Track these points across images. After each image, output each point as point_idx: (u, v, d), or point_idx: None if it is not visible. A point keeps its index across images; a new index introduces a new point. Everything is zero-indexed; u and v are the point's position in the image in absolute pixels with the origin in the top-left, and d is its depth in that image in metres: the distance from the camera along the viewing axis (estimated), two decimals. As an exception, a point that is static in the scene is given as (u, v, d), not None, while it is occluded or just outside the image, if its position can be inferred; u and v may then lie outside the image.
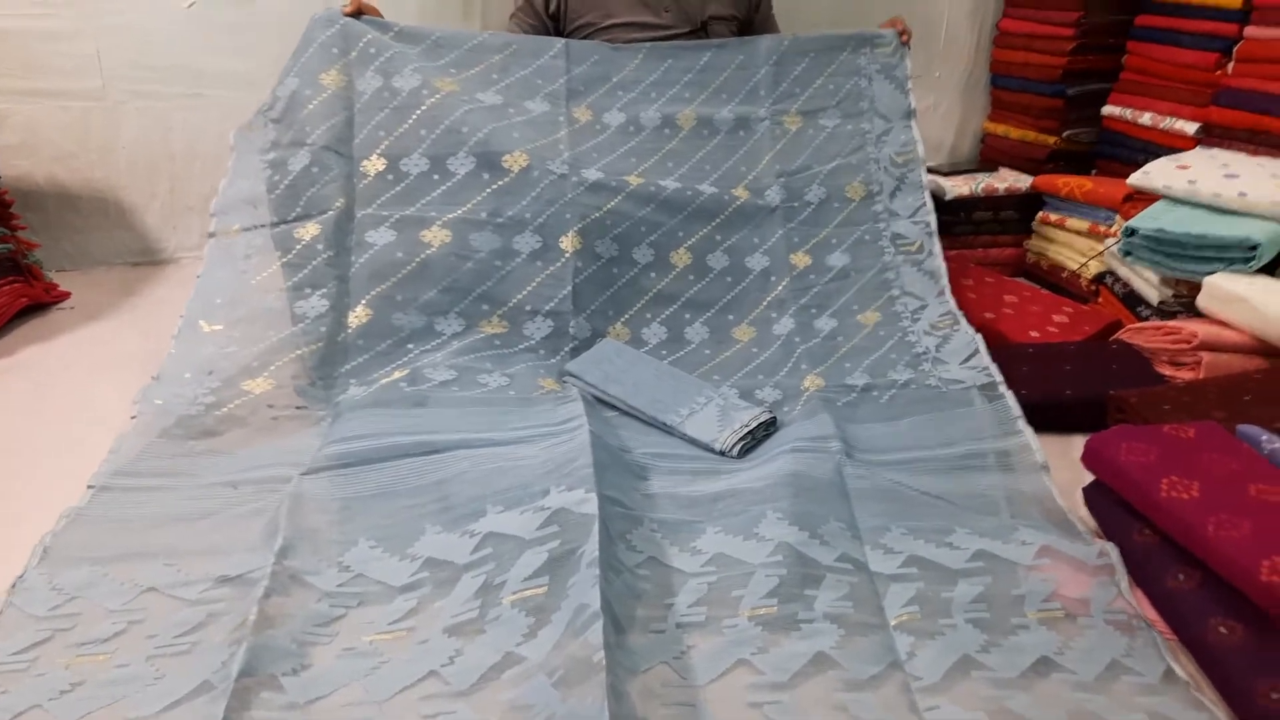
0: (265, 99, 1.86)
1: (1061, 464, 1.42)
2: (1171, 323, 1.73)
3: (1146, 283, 1.91)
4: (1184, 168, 1.94)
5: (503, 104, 1.88)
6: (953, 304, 1.84)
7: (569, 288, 1.75)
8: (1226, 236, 1.73)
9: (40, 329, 1.92)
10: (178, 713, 0.95)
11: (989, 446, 1.45)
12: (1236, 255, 1.72)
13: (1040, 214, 2.35)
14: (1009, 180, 2.40)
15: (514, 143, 1.82)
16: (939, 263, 1.90)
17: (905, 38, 2.05)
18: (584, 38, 2.03)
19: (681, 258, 1.85)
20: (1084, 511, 1.31)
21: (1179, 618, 1.08)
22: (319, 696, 0.97)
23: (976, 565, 1.18)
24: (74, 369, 1.75)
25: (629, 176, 1.85)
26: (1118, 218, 2.07)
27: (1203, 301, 1.73)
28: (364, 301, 1.68)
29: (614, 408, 1.58)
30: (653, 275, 1.83)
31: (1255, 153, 2.03)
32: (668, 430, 1.52)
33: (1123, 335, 1.80)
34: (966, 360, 1.68)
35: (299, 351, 1.60)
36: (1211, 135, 2.15)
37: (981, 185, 2.37)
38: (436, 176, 1.79)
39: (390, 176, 1.79)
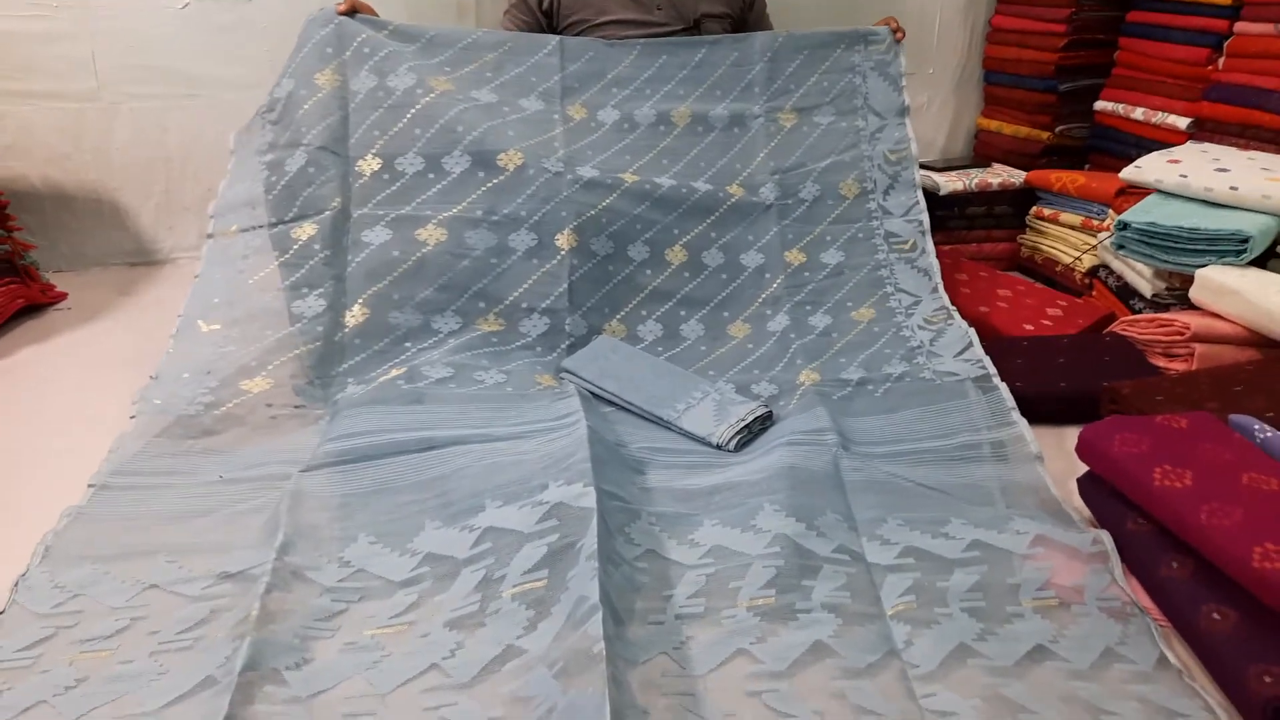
0: (263, 101, 1.86)
1: (1056, 455, 1.43)
2: (1164, 315, 1.74)
3: (1139, 276, 1.93)
4: (1175, 162, 1.96)
5: (497, 102, 1.89)
6: (946, 299, 1.85)
7: (565, 285, 1.75)
8: (1218, 229, 1.74)
9: (37, 330, 1.93)
10: (182, 707, 0.95)
11: (984, 438, 1.46)
12: (1228, 248, 1.73)
13: (1034, 209, 2.36)
14: (1002, 175, 2.41)
15: (509, 141, 1.82)
16: (932, 260, 1.91)
17: (899, 35, 2.06)
18: (577, 35, 2.04)
19: (677, 255, 1.86)
20: (1078, 501, 1.32)
21: (1172, 605, 1.09)
22: (322, 690, 0.98)
23: (972, 555, 1.19)
24: (71, 369, 1.75)
25: (624, 174, 1.86)
26: (1110, 212, 2.09)
27: (1195, 294, 1.74)
28: (361, 301, 1.69)
29: (611, 403, 1.59)
30: (648, 272, 1.84)
31: (1246, 147, 2.04)
32: (664, 425, 1.53)
33: (1116, 328, 1.81)
34: (960, 353, 1.69)
35: (297, 351, 1.61)
36: (1203, 130, 2.17)
37: (975, 181, 2.38)
38: (432, 175, 1.79)
39: (386, 176, 1.79)
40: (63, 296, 2.07)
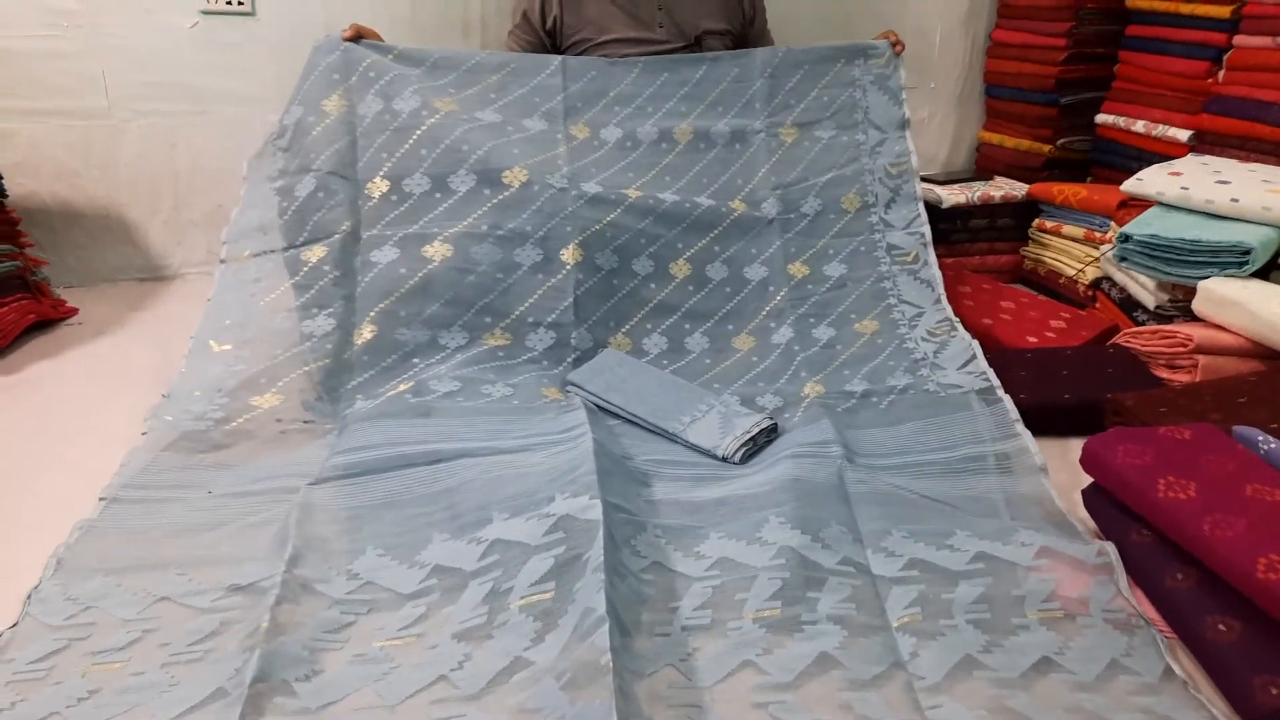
0: (273, 126, 1.90)
1: (1060, 466, 1.44)
2: (1167, 327, 1.75)
3: (1142, 288, 1.93)
4: (1176, 174, 1.97)
5: (501, 122, 1.91)
6: (949, 310, 1.86)
7: (570, 299, 1.77)
8: (1219, 241, 1.75)
9: (48, 345, 1.94)
10: (193, 718, 0.96)
11: (988, 450, 1.46)
12: (1230, 259, 1.74)
13: (1036, 221, 2.37)
14: (1005, 188, 2.43)
15: (513, 159, 1.84)
16: (935, 271, 1.92)
17: (899, 48, 2.08)
18: (580, 53, 2.06)
19: (681, 269, 1.87)
20: (1083, 513, 1.32)
21: (1177, 616, 1.09)
22: (331, 701, 0.98)
23: (977, 567, 1.19)
24: (82, 384, 1.77)
25: (627, 190, 1.87)
26: (1112, 224, 2.10)
27: (1198, 305, 1.75)
28: (369, 319, 1.71)
29: (616, 416, 1.60)
30: (653, 286, 1.85)
31: (1246, 159, 2.06)
32: (670, 437, 1.54)
33: (1120, 339, 1.82)
34: (964, 365, 1.70)
35: (306, 368, 1.63)
36: (1203, 142, 2.18)
37: (978, 194, 2.39)
38: (439, 195, 1.81)
39: (394, 197, 1.81)
40: (73, 312, 2.09)
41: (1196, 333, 1.67)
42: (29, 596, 1.14)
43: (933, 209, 2.32)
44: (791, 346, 1.79)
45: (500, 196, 1.81)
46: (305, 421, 1.56)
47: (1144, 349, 1.74)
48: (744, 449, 1.47)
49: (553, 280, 1.77)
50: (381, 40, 1.97)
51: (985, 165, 2.84)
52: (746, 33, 2.19)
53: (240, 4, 2.22)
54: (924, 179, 2.43)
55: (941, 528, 1.27)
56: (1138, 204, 2.03)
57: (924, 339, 1.79)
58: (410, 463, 1.40)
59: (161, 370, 1.75)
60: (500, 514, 1.26)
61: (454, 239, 1.77)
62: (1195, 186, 1.89)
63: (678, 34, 2.09)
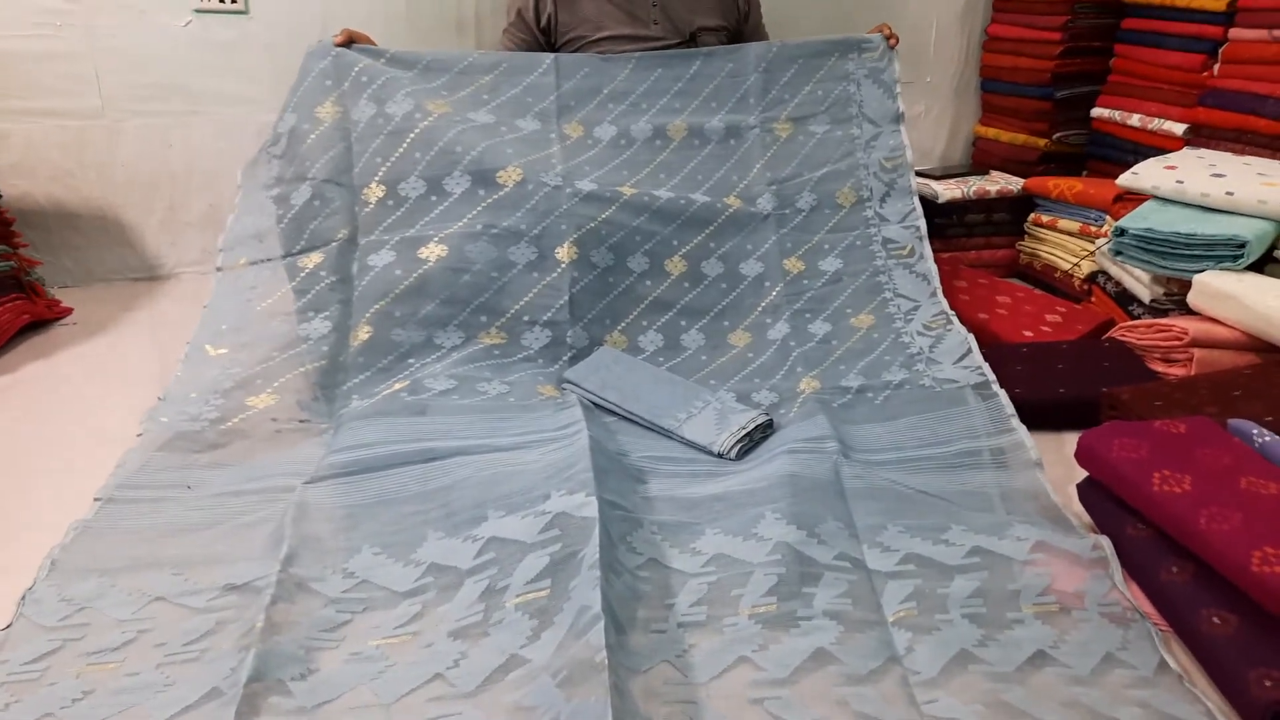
0: (268, 133, 1.90)
1: (1055, 460, 1.44)
2: (1163, 320, 1.75)
3: (1138, 281, 1.93)
4: (1172, 168, 1.97)
5: (494, 123, 1.91)
6: (945, 304, 1.86)
7: (566, 297, 1.77)
8: (1215, 235, 1.75)
9: (43, 345, 1.94)
10: (189, 718, 0.96)
11: (983, 444, 1.46)
12: (1225, 253, 1.74)
13: (1032, 215, 2.38)
14: (1000, 183, 2.43)
15: (507, 158, 1.84)
16: (930, 265, 1.92)
17: (893, 41, 2.07)
18: (575, 51, 2.06)
19: (676, 265, 1.87)
20: (1078, 507, 1.32)
21: (1172, 609, 1.09)
22: (327, 700, 0.98)
23: (972, 561, 1.19)
24: (77, 384, 1.77)
25: (622, 187, 1.87)
26: (1108, 218, 2.10)
27: (1193, 299, 1.75)
28: (365, 320, 1.71)
29: (612, 413, 1.60)
30: (648, 283, 1.85)
31: (1242, 152, 2.06)
32: (666, 434, 1.54)
33: (1115, 333, 1.82)
34: (959, 360, 1.70)
35: (303, 369, 1.63)
36: (1199, 135, 2.18)
37: (973, 188, 2.39)
38: (434, 198, 1.82)
39: (390, 202, 1.82)
40: (68, 312, 2.09)
41: (1192, 326, 1.68)
42: (23, 597, 1.14)
43: (929, 204, 2.32)
44: (787, 342, 1.79)
45: (495, 196, 1.81)
46: (301, 420, 1.56)
47: (1139, 343, 1.75)
48: (740, 445, 1.47)
49: (548, 278, 1.77)
50: (374, 44, 1.97)
51: (981, 160, 2.84)
52: (742, 29, 2.18)
53: (234, 2, 2.22)
54: (920, 174, 2.43)
55: (937, 522, 1.27)
56: (1133, 198, 2.03)
57: (920, 333, 1.79)
58: (406, 461, 1.40)
59: (156, 370, 1.75)
60: (496, 512, 1.26)
61: (449, 239, 1.77)
62: (1191, 180, 1.89)
63: (673, 30, 2.08)
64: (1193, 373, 1.65)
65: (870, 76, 2.05)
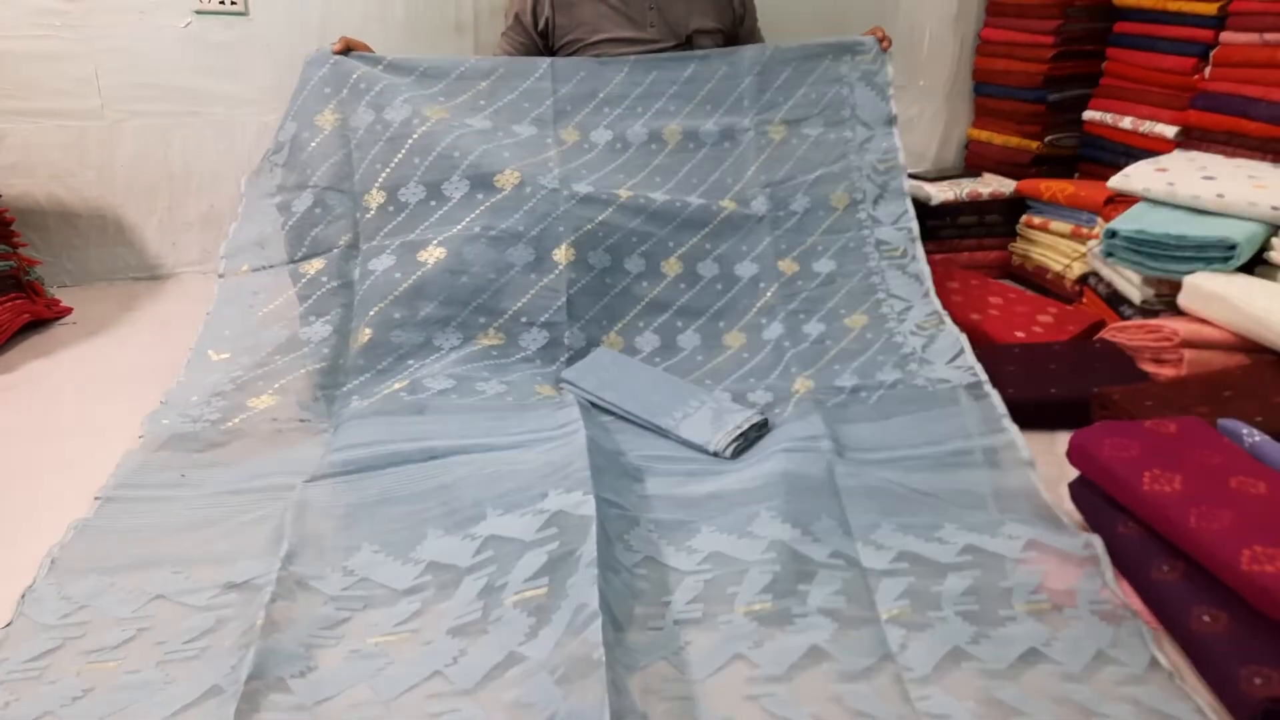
0: (270, 143, 1.93)
1: (1047, 460, 1.45)
2: (1154, 321, 1.76)
3: (1129, 283, 1.95)
4: (1163, 170, 1.99)
5: (491, 129, 1.92)
6: (937, 304, 1.87)
7: (563, 299, 1.78)
8: (1205, 237, 1.77)
9: (43, 344, 1.94)
10: (189, 716, 0.97)
11: (976, 444, 1.48)
12: (1215, 255, 1.76)
13: (1024, 217, 2.39)
14: (993, 185, 2.44)
15: (505, 162, 1.86)
16: (923, 266, 1.93)
17: (885, 44, 2.08)
18: (572, 54, 2.07)
19: (672, 266, 1.88)
20: (1070, 506, 1.33)
21: (1163, 607, 1.10)
22: (327, 697, 0.99)
23: (965, 559, 1.20)
24: (77, 383, 1.77)
25: (618, 190, 1.88)
26: (1099, 220, 2.11)
27: (1184, 300, 1.76)
28: (365, 323, 1.72)
29: (609, 413, 1.61)
30: (644, 284, 1.86)
31: (1232, 154, 2.07)
32: (662, 433, 1.55)
33: (1106, 334, 1.83)
34: (952, 360, 1.71)
35: (303, 370, 1.65)
36: (1190, 138, 2.19)
37: (966, 190, 2.40)
38: (434, 202, 1.83)
39: (391, 208, 1.84)
40: (67, 311, 2.09)
41: (1182, 327, 1.69)
42: (23, 596, 1.15)
43: (922, 205, 2.33)
44: (782, 342, 1.80)
45: (493, 199, 1.82)
46: (301, 420, 1.56)
47: (1130, 343, 1.76)
48: (735, 444, 1.49)
49: (546, 279, 1.78)
50: (371, 51, 1.98)
51: (974, 162, 2.85)
52: (737, 32, 2.20)
53: (233, 4, 2.22)
54: (914, 176, 2.45)
55: (930, 521, 1.28)
56: (1125, 200, 2.04)
57: (912, 333, 1.80)
58: (405, 459, 1.41)
59: (156, 370, 1.76)
60: (494, 510, 1.27)
61: (448, 242, 1.78)
62: (1182, 182, 1.90)
63: (669, 33, 2.10)
64: (1183, 373, 1.66)
65: (863, 79, 2.07)
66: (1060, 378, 1.66)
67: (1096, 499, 1.27)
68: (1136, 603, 1.14)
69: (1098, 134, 2.50)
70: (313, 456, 1.44)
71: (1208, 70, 2.18)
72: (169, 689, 1.00)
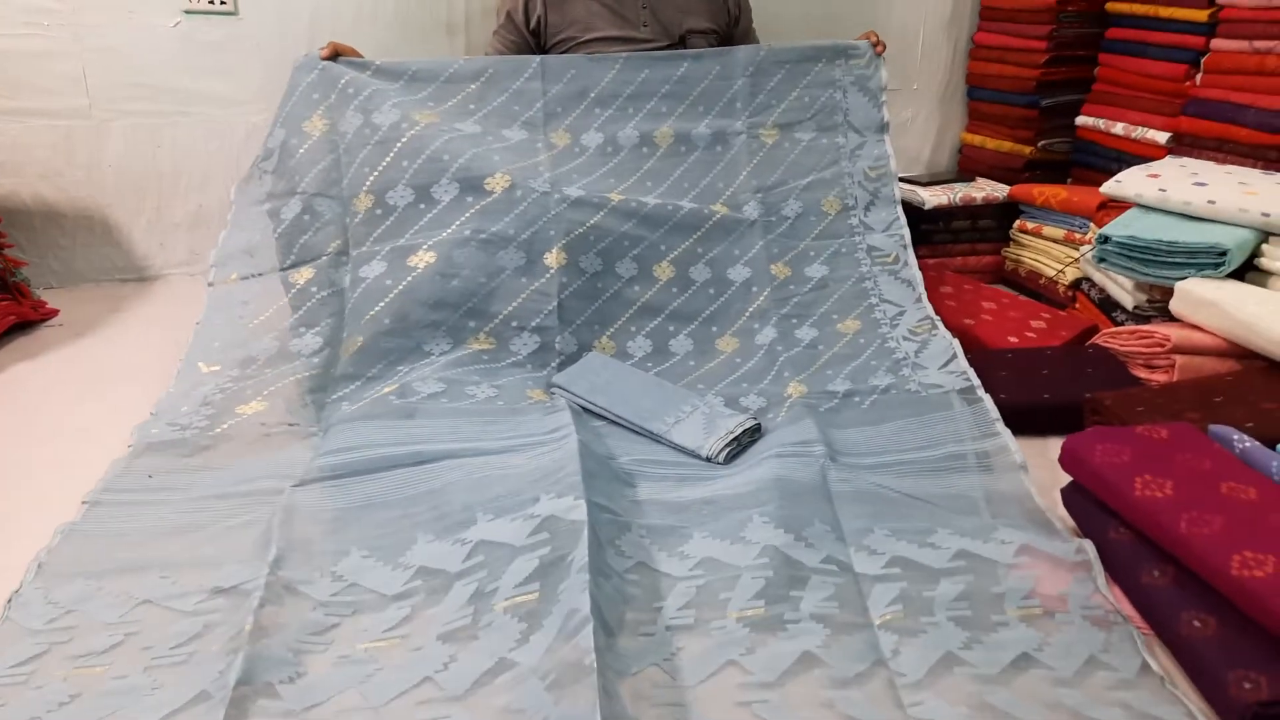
0: (260, 150, 1.92)
1: (1040, 465, 1.45)
2: (1145, 327, 1.77)
3: (1121, 288, 1.95)
4: (1155, 176, 1.99)
5: (481, 133, 1.91)
6: (930, 309, 1.87)
7: (554, 303, 1.77)
8: (1196, 243, 1.77)
9: (29, 346, 1.93)
10: (176, 722, 0.96)
11: (969, 448, 1.48)
12: (1206, 261, 1.76)
13: (1017, 222, 2.39)
14: (986, 190, 2.45)
15: (495, 165, 1.85)
16: (915, 271, 1.94)
17: (879, 49, 2.09)
18: (564, 52, 2.06)
19: (664, 271, 1.88)
20: (1062, 511, 1.34)
21: (1154, 612, 1.11)
22: (316, 703, 0.98)
23: (958, 564, 1.20)
24: (63, 385, 1.76)
25: (610, 194, 1.88)
26: (1092, 225, 2.12)
27: (1175, 306, 1.77)
28: (356, 330, 1.72)
29: (601, 417, 1.60)
30: (636, 288, 1.85)
31: (1223, 161, 2.08)
32: (654, 438, 1.54)
33: (1098, 340, 1.84)
34: (945, 365, 1.71)
35: (294, 378, 1.64)
36: (1181, 144, 2.21)
37: (959, 195, 2.41)
38: (423, 206, 1.82)
39: (379, 211, 1.83)
40: (54, 313, 2.08)
41: (1174, 333, 1.69)
42: (9, 600, 1.13)
43: (915, 210, 2.34)
44: (774, 347, 1.80)
45: (483, 203, 1.81)
46: (289, 424, 1.55)
47: (1122, 349, 1.76)
48: (728, 449, 1.48)
49: (536, 283, 1.78)
50: (360, 56, 1.98)
51: (967, 166, 2.86)
52: (731, 32, 2.19)
53: (223, 4, 2.21)
54: (906, 180, 2.45)
55: (923, 526, 1.28)
56: (1117, 205, 2.05)
57: (905, 338, 1.80)
58: (395, 464, 1.40)
59: (143, 372, 1.75)
60: (485, 515, 1.26)
61: (438, 246, 1.77)
62: (1173, 188, 1.91)
63: (662, 33, 2.09)
64: (1175, 379, 1.66)
65: (857, 84, 2.07)
66: (1053, 383, 1.66)
67: (1088, 504, 1.27)
68: (1128, 607, 1.14)
69: (1090, 139, 2.51)
70: (301, 460, 1.43)
71: (1199, 77, 2.20)
72: (156, 694, 1.00)
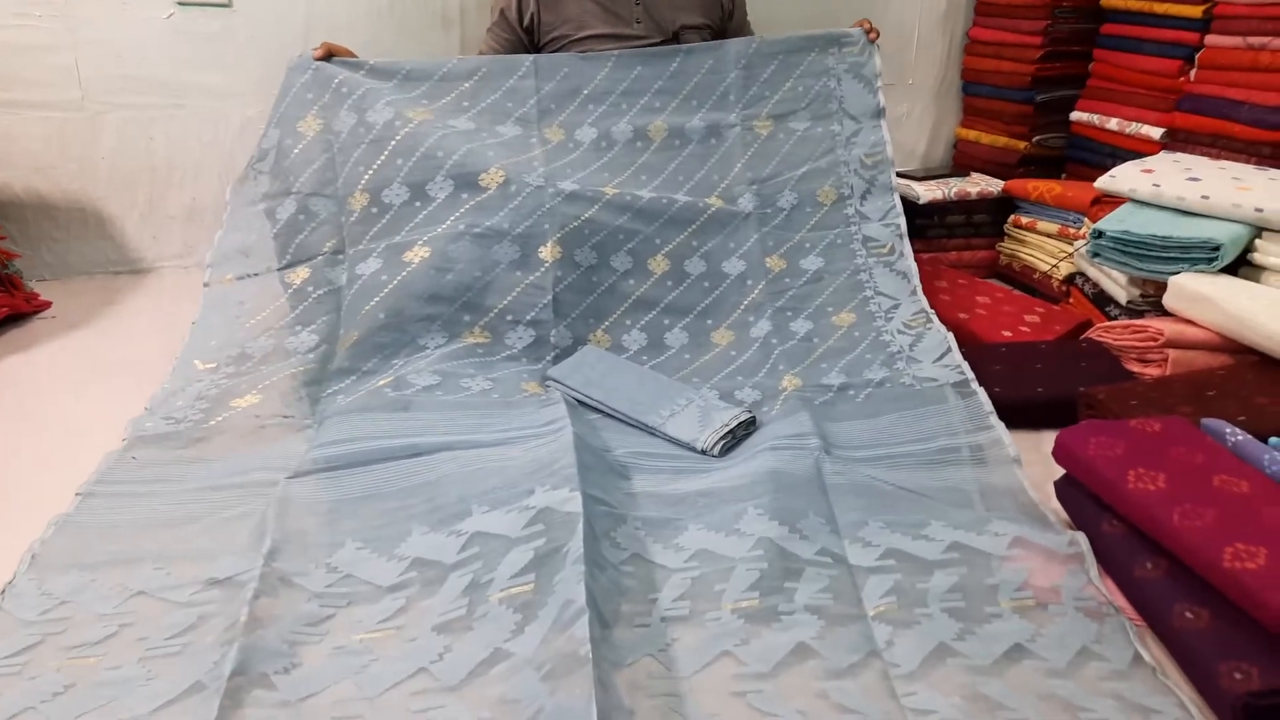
0: (254, 150, 1.92)
1: (1033, 458, 1.46)
2: (1139, 321, 1.77)
3: (1115, 283, 1.96)
4: (1149, 171, 2.00)
5: (475, 130, 1.91)
6: (924, 302, 1.87)
7: (550, 296, 1.77)
8: (1190, 238, 1.78)
9: (22, 338, 1.92)
10: (171, 712, 0.96)
11: (962, 441, 1.48)
12: (1200, 256, 1.77)
13: (1011, 217, 2.40)
14: (981, 185, 2.45)
15: (489, 161, 1.85)
16: (910, 263, 1.94)
17: (873, 36, 2.08)
18: (557, 50, 2.06)
19: (659, 264, 1.88)
20: (1055, 504, 1.34)
21: (1146, 604, 1.11)
22: (311, 694, 0.98)
23: (951, 556, 1.21)
24: (56, 378, 1.75)
25: (604, 188, 1.88)
26: (1086, 220, 2.12)
27: (1169, 301, 1.77)
28: (351, 326, 1.72)
29: (596, 410, 1.60)
30: (631, 282, 1.85)
31: (1217, 156, 2.09)
32: (649, 431, 1.54)
33: (1092, 334, 1.84)
34: (939, 359, 1.72)
35: (290, 373, 1.64)
36: (1175, 140, 2.21)
37: (954, 190, 2.41)
38: (418, 203, 1.82)
39: (374, 210, 1.83)
40: (47, 305, 2.07)
41: (1167, 327, 1.70)
42: (3, 591, 1.13)
43: (910, 205, 2.34)
44: (769, 340, 1.80)
45: (478, 199, 1.82)
46: (284, 417, 1.55)
47: (1116, 343, 1.77)
48: (723, 442, 1.48)
49: (531, 277, 1.78)
50: (354, 56, 1.98)
51: (962, 161, 2.87)
52: (725, 26, 2.19)
53: (217, -4, 2.21)
54: (901, 175, 2.45)
55: (917, 518, 1.29)
56: (1111, 201, 2.05)
57: (900, 331, 1.81)
58: (389, 456, 1.40)
59: (137, 364, 1.74)
60: (480, 507, 1.26)
61: (433, 241, 1.77)
62: (1167, 184, 1.92)
63: (655, 29, 2.09)
64: (1168, 373, 1.67)
65: (851, 71, 2.06)
66: (1046, 377, 1.67)
67: (1081, 497, 1.28)
68: (1120, 599, 1.14)
69: (1085, 135, 2.51)
70: (296, 452, 1.43)
71: (1193, 73, 2.20)
72: (151, 685, 0.99)
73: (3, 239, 2.08)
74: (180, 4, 2.20)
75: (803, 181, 1.99)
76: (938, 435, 1.51)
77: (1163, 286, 1.79)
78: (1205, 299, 1.69)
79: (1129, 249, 1.86)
